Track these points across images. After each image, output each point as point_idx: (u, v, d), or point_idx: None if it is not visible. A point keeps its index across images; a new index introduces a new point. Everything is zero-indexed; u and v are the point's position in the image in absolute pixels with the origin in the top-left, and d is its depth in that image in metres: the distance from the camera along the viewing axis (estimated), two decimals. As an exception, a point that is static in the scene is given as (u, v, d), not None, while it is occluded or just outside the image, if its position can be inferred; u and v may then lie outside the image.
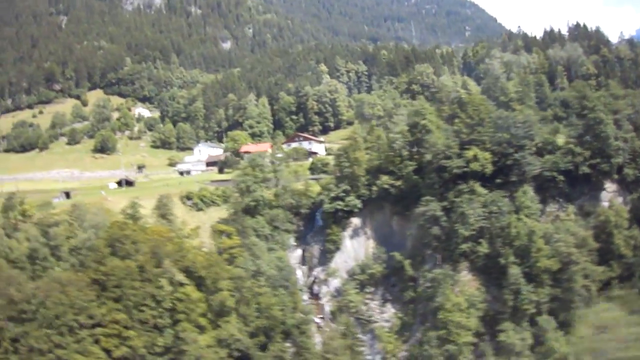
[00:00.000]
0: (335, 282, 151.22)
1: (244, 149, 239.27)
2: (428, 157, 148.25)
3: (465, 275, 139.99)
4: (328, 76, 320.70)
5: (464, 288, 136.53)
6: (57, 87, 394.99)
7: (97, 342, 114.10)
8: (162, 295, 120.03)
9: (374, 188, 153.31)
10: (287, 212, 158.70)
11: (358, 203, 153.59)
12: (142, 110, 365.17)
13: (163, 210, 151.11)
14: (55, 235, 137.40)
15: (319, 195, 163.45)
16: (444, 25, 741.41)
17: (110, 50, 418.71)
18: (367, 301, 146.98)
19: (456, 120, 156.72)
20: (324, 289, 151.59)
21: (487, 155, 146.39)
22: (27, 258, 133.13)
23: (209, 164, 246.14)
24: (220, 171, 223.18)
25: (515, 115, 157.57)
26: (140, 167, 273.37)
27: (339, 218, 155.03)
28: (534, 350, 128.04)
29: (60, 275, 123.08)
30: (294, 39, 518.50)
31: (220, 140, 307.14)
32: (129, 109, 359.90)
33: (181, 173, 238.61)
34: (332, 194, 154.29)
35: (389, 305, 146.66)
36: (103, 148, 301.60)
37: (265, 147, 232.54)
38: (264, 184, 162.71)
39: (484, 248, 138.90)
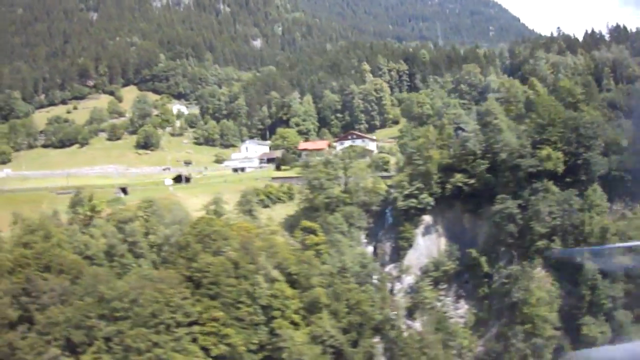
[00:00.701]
0: (408, 279, 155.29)
1: (301, 146, 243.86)
2: (503, 155, 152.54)
3: (539, 272, 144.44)
4: (371, 75, 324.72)
5: (539, 284, 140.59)
6: (91, 83, 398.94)
7: (194, 340, 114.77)
8: (258, 292, 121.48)
9: (448, 186, 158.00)
10: (359, 209, 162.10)
11: (431, 201, 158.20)
12: (180, 107, 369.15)
13: (247, 206, 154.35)
14: (132, 232, 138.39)
15: (387, 192, 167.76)
16: (467, 25, 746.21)
17: (143, 47, 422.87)
18: (441, 297, 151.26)
19: (527, 120, 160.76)
20: (397, 285, 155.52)
21: (560, 154, 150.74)
22: (105, 255, 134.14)
23: (266, 160, 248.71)
24: (278, 168, 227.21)
25: (583, 116, 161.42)
26: (186, 164, 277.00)
27: (411, 215, 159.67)
28: (614, 343, 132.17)
29: (150, 272, 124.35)
30: (322, 37, 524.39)
31: (263, 138, 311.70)
32: (163, 105, 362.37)
33: (235, 170, 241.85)
34: (406, 192, 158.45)
35: (462, 302, 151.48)
36: (146, 144, 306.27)
37: (322, 144, 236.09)
38: (336, 181, 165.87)
39: (557, 245, 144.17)
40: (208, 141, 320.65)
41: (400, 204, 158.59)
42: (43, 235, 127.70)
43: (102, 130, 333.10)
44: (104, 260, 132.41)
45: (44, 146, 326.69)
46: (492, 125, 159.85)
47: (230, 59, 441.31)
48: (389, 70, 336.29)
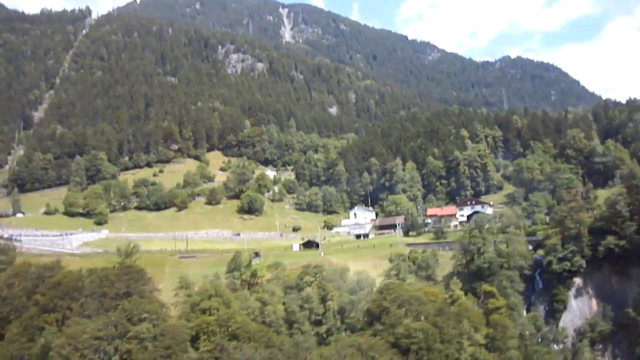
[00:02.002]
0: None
1: (430, 212, 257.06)
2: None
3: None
4: (469, 141, 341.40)
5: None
6: (175, 147, 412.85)
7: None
8: (463, 356, 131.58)
9: (600, 248, 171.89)
10: (516, 272, 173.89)
11: (583, 263, 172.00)
12: (274, 173, 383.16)
13: (428, 271, 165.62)
14: (309, 297, 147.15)
15: (532, 255, 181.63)
16: (529, 90, 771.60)
17: (226, 112, 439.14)
18: (598, 358, 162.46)
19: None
20: (554, 347, 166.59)
21: None
22: (284, 321, 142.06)
23: (381, 227, 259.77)
24: (406, 234, 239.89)
25: None
26: (295, 230, 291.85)
27: (563, 278, 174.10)
28: None
29: (355, 339, 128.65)
30: (394, 104, 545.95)
31: (365, 204, 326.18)
32: (252, 172, 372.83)
33: (358, 236, 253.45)
34: (560, 255, 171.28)
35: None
36: (250, 209, 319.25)
37: (451, 210, 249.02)
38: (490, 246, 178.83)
39: None
40: (310, 207, 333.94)
41: (555, 267, 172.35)
42: (221, 301, 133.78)
43: (199, 194, 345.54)
44: (283, 327, 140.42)
45: (137, 208, 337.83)
46: (637, 187, 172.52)
47: (311, 126, 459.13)
48: (485, 137, 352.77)
